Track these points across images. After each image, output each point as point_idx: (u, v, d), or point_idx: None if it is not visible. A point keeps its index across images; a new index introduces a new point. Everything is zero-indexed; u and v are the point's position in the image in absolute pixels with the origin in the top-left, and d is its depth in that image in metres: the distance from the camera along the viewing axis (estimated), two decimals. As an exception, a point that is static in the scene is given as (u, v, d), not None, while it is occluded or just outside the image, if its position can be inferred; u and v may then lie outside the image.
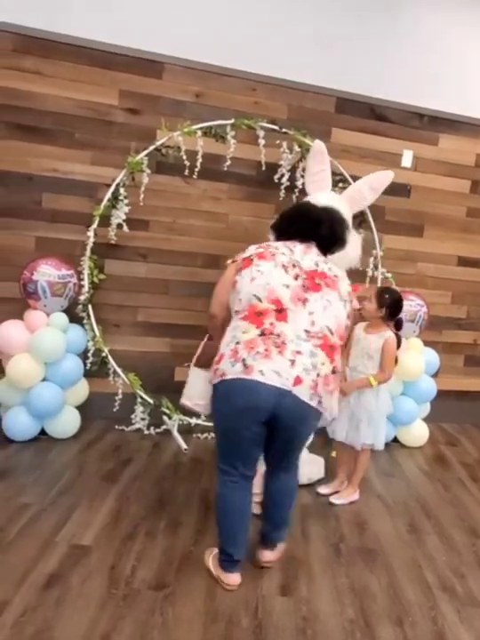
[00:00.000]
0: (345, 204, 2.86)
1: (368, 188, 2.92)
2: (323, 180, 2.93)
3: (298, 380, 1.83)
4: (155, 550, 2.19)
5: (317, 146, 2.96)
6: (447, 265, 4.04)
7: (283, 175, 3.33)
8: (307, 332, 1.89)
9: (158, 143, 3.12)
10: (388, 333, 2.63)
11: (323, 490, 2.74)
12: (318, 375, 1.86)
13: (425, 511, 2.77)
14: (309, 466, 2.83)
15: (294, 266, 1.97)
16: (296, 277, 1.95)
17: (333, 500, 2.68)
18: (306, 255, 2.03)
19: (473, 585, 2.22)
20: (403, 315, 3.54)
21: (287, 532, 2.21)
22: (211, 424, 3.34)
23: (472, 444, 3.84)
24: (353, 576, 2.18)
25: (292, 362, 1.84)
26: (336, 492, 2.76)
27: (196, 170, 3.18)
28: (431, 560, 2.35)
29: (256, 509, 2.22)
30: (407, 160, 3.80)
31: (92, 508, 2.45)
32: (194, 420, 3.38)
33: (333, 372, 1.91)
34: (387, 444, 3.54)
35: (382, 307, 2.59)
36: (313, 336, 1.88)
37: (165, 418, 3.34)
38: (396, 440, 3.66)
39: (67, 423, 3.13)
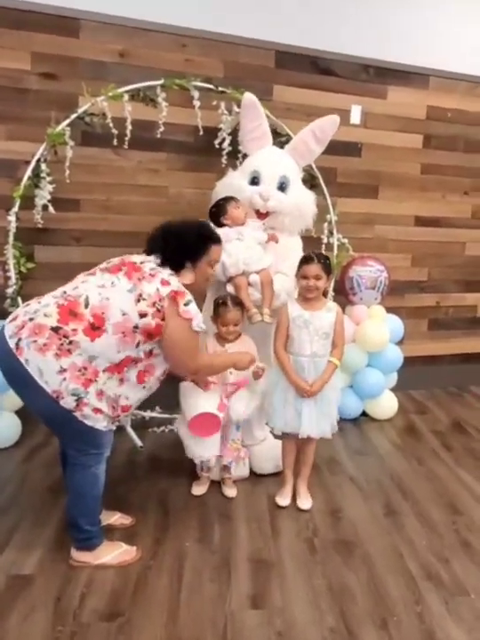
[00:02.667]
0: (290, 159, 2.62)
1: (312, 137, 2.66)
2: (261, 136, 2.66)
3: (13, 317, 1.84)
4: (106, 571, 1.94)
5: (247, 99, 2.66)
6: (406, 226, 3.85)
7: (223, 140, 3.02)
8: (63, 292, 1.88)
9: (80, 111, 2.76)
10: (334, 304, 2.40)
11: (283, 502, 2.43)
12: (31, 320, 1.78)
13: (400, 490, 2.60)
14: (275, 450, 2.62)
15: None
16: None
17: (303, 505, 2.41)
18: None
19: (457, 569, 2.05)
20: (363, 281, 3.40)
21: (75, 534, 1.97)
22: (167, 416, 3.12)
23: (442, 410, 3.70)
24: (330, 575, 1.98)
25: (27, 305, 1.87)
26: (293, 497, 2.47)
27: (127, 139, 2.85)
28: (412, 546, 2.17)
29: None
30: (356, 116, 3.56)
31: (35, 528, 2.16)
32: (148, 414, 3.11)
33: (53, 330, 1.76)
34: (355, 420, 3.41)
35: (329, 274, 2.33)
36: (64, 296, 1.84)
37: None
38: (364, 414, 3.48)
39: (5, 431, 2.82)
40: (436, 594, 1.91)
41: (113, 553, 1.99)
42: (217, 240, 2.09)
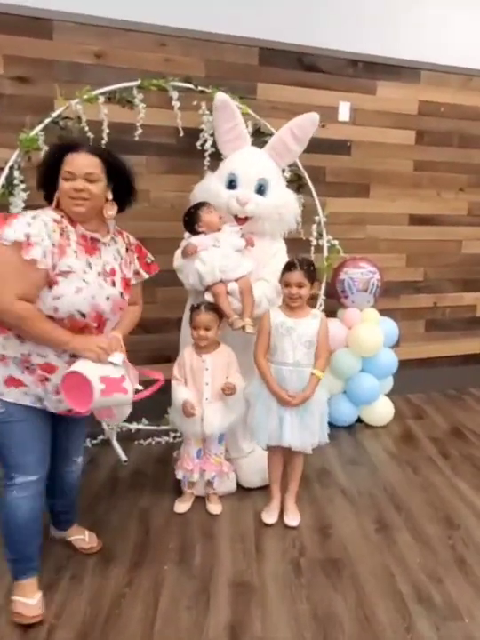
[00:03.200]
0: (269, 160, 2.51)
1: (291, 136, 2.53)
2: (237, 137, 2.54)
3: None
4: (79, 600, 1.84)
5: (219, 100, 2.52)
6: (399, 225, 3.72)
7: (205, 141, 2.90)
8: None
9: (54, 115, 2.66)
10: (318, 311, 2.30)
11: (269, 519, 2.31)
12: None
13: (394, 502, 2.49)
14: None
15: None
16: None
17: (291, 522, 2.30)
18: None
19: (451, 589, 1.94)
20: (355, 283, 3.29)
21: None
22: (154, 427, 3.03)
23: (439, 414, 3.59)
24: (316, 599, 1.87)
25: None
26: (281, 513, 2.36)
27: (104, 143, 2.74)
28: (404, 564, 2.06)
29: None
30: (344, 113, 3.43)
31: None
32: (134, 426, 3.01)
33: None
34: (350, 426, 3.30)
35: (313, 281, 2.23)
36: None
37: (103, 425, 2.96)
38: (359, 421, 3.37)
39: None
40: (427, 618, 1.80)
41: (18, 598, 1.75)
42: (68, 149, 1.71)
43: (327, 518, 2.35)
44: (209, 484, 2.42)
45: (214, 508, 2.40)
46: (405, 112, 3.59)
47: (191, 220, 2.38)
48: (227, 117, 2.50)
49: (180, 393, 2.30)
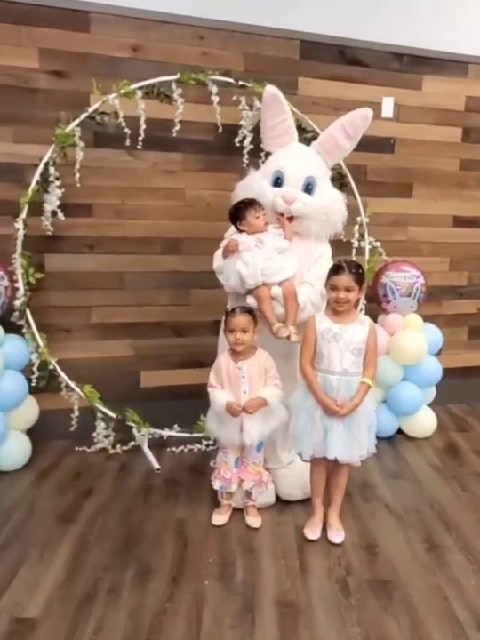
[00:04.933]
0: (317, 158, 2.47)
1: (342, 133, 2.49)
2: (285, 132, 2.51)
3: None
4: (119, 614, 1.81)
5: (269, 93, 2.49)
6: (443, 227, 3.66)
7: (244, 137, 2.90)
8: None
9: (91, 110, 2.67)
10: (366, 317, 2.25)
11: (312, 535, 2.26)
12: None
13: (443, 520, 2.42)
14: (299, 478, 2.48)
15: None
16: None
17: (335, 539, 2.25)
18: None
19: (512, 615, 1.87)
20: (398, 288, 3.24)
21: None
22: (187, 434, 3.01)
23: (485, 427, 3.51)
24: (367, 622, 1.82)
25: None
26: (324, 528, 2.31)
27: (141, 139, 2.74)
28: (458, 587, 2.00)
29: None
30: (388, 109, 3.39)
31: (42, 563, 2.05)
32: (166, 432, 3.00)
33: None
34: (390, 438, 3.25)
35: (361, 285, 2.18)
36: None
37: (134, 432, 2.95)
38: (400, 432, 3.31)
39: (14, 452, 2.72)
40: (489, 647, 1.73)
41: None
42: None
43: (372, 535, 2.30)
44: (247, 494, 2.38)
45: (253, 521, 2.36)
46: (452, 108, 3.53)
47: (237, 215, 2.36)
48: (276, 112, 2.47)
49: (220, 396, 2.27)
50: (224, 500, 2.41)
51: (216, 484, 2.39)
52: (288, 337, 2.22)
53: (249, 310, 2.26)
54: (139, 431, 2.93)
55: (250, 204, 2.33)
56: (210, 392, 2.32)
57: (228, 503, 2.41)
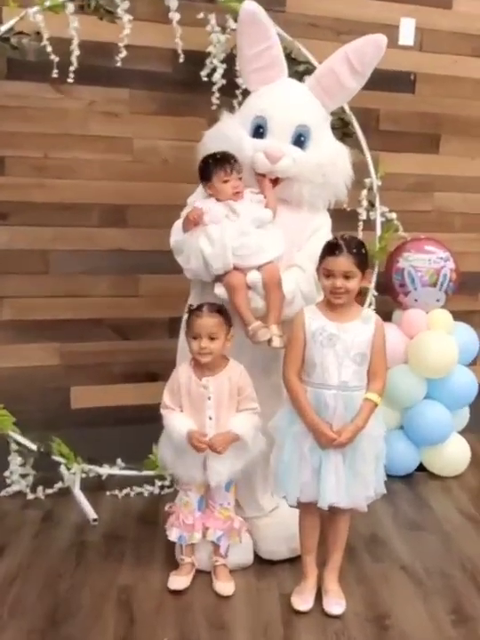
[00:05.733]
0: (313, 99, 2.54)
1: (346, 66, 2.54)
2: (269, 65, 2.56)
3: None
4: None
5: (246, 12, 2.52)
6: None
7: (214, 69, 2.97)
8: None
9: (3, 29, 2.70)
10: (372, 312, 2.34)
11: (302, 605, 2.32)
12: None
13: (476, 585, 2.52)
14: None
15: None
16: None
17: (334, 609, 2.31)
18: None
19: None
20: (419, 274, 3.34)
21: None
22: (134, 473, 3.06)
23: None
24: None
25: None
26: (318, 596, 2.38)
27: (73, 69, 2.78)
28: (494, 671, 2.10)
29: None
30: (407, 34, 3.50)
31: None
32: (106, 470, 3.05)
33: None
34: (409, 476, 3.35)
35: (365, 270, 2.24)
36: None
37: (61, 470, 3.00)
38: (421, 468, 3.42)
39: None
40: None
41: None
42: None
43: (383, 604, 2.39)
44: (215, 549, 2.45)
45: (224, 586, 2.42)
46: (492, 34, 3.65)
47: (204, 173, 2.42)
48: (256, 37, 2.52)
49: (179, 423, 2.33)
50: (184, 557, 2.46)
51: (173, 534, 2.44)
52: (269, 341, 2.29)
53: (220, 309, 2.32)
54: (68, 469, 2.98)
55: (221, 160, 2.39)
56: (164, 416, 2.38)
57: (189, 561, 2.46)
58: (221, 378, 2.35)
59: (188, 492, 2.44)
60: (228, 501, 2.46)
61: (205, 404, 2.33)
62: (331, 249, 2.20)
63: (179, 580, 2.43)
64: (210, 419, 2.32)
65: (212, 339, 2.28)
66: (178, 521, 2.43)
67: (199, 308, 2.32)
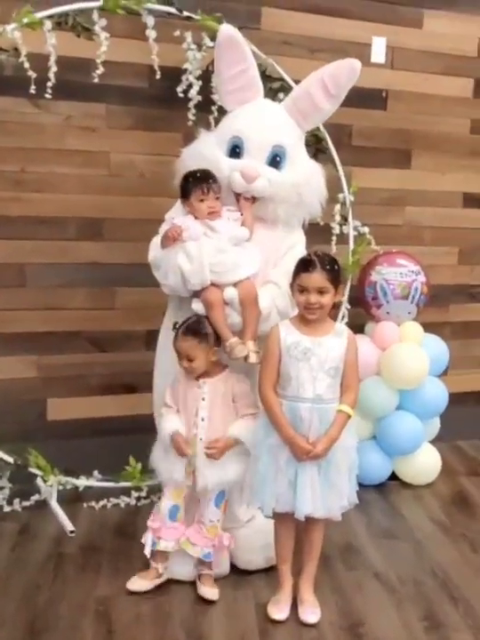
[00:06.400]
0: (289, 120, 2.60)
1: (321, 89, 2.60)
2: (246, 85, 2.62)
3: None
4: None
5: (225, 35, 2.60)
6: (450, 207, 3.88)
7: (190, 85, 3.00)
8: None
9: (-19, 44, 2.73)
10: (343, 327, 2.40)
11: (278, 614, 2.36)
12: None
13: (448, 591, 2.58)
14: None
15: None
16: None
17: (309, 618, 2.35)
18: None
19: None
20: (391, 287, 3.40)
21: None
22: (111, 485, 3.07)
23: (504, 469, 3.73)
24: None
25: None
26: (294, 605, 2.42)
27: (50, 85, 2.80)
28: (465, 676, 2.16)
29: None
30: (379, 52, 3.57)
31: None
32: (83, 482, 3.06)
33: None
34: (381, 485, 3.40)
35: (338, 285, 2.30)
36: None
37: (38, 482, 3.00)
38: (393, 477, 3.48)
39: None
40: None
41: None
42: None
43: (357, 612, 2.43)
44: (202, 564, 2.49)
45: (209, 591, 2.44)
46: (461, 53, 3.74)
47: (185, 190, 2.47)
48: (234, 59, 2.58)
49: (168, 422, 2.40)
50: (153, 562, 2.50)
51: (145, 536, 2.49)
52: (245, 357, 2.34)
53: (195, 330, 2.37)
54: (45, 481, 2.98)
55: (199, 179, 2.44)
56: (162, 413, 2.47)
57: (156, 567, 2.50)
58: (217, 382, 2.43)
59: (163, 496, 2.50)
60: (218, 518, 2.49)
61: (199, 405, 2.41)
62: (304, 265, 2.26)
63: (138, 583, 2.47)
64: (202, 420, 2.40)
65: (190, 360, 2.36)
66: (149, 524, 2.49)
67: (179, 329, 2.39)
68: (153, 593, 2.47)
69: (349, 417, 2.31)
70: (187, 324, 2.39)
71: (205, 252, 2.37)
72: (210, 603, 2.42)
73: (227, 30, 2.60)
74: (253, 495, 2.40)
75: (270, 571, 2.56)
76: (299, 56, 3.31)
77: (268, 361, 2.32)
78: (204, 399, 2.40)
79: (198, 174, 2.45)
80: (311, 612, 2.38)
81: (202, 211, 2.44)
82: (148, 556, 2.49)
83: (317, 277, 2.22)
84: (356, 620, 2.38)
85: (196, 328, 2.37)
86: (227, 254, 2.40)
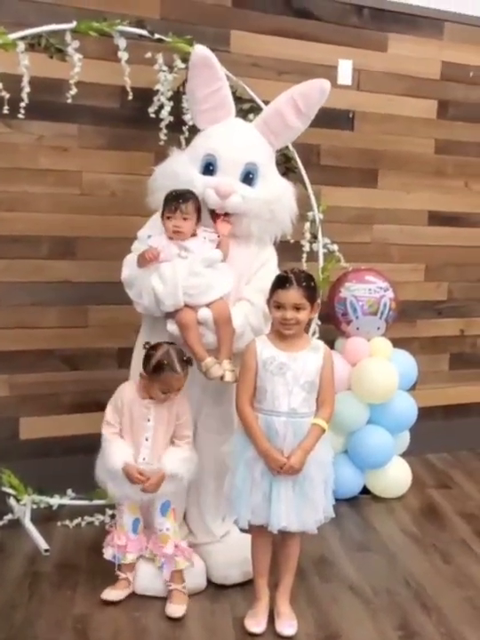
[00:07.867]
0: (261, 138, 2.66)
1: (292, 109, 2.66)
2: (219, 105, 2.67)
3: None
4: None
5: (199, 56, 2.64)
6: (416, 225, 3.97)
7: (162, 106, 3.05)
8: None
9: (-46, 65, 2.74)
10: (320, 342, 2.45)
11: (255, 627, 2.36)
12: None
13: (420, 601, 2.62)
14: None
15: None
16: None
17: (286, 630, 2.37)
18: None
19: None
20: (360, 304, 3.46)
21: None
22: (85, 503, 3.08)
23: (472, 481, 3.79)
24: None
25: None
26: (271, 618, 2.44)
27: (23, 105, 2.82)
28: (440, 683, 2.20)
29: None
30: (345, 75, 3.65)
31: None
32: (56, 500, 3.06)
33: None
34: (353, 499, 3.44)
35: (314, 302, 2.35)
36: None
37: (11, 502, 2.99)
38: (365, 491, 3.53)
39: None
40: None
41: None
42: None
43: (333, 624, 2.46)
44: (172, 579, 2.50)
45: (173, 608, 2.44)
46: (425, 76, 3.85)
47: (162, 206, 2.49)
48: (207, 79, 2.63)
49: (116, 451, 2.43)
50: (120, 574, 2.54)
51: (107, 553, 2.55)
52: (221, 377, 2.38)
53: (188, 362, 2.40)
54: (18, 500, 2.98)
55: (172, 198, 2.46)
56: (104, 435, 2.49)
57: (125, 577, 2.54)
58: (162, 404, 2.46)
59: (123, 513, 2.54)
60: (167, 527, 2.52)
61: (145, 426, 2.45)
62: (281, 282, 2.30)
63: (112, 593, 2.51)
64: (146, 439, 2.45)
65: (164, 392, 2.41)
66: (113, 541, 2.53)
67: (168, 360, 2.37)
68: (130, 608, 2.48)
69: (324, 431, 2.34)
70: (175, 355, 2.38)
71: (179, 275, 2.40)
72: (176, 620, 2.43)
73: (201, 51, 2.65)
74: (231, 507, 2.44)
75: (247, 584, 2.58)
76: (267, 78, 3.38)
77: (244, 375, 2.35)
78: (149, 420, 2.44)
79: (174, 193, 2.47)
80: (288, 625, 2.40)
81: (168, 229, 2.47)
82: (117, 569, 2.53)
83: (294, 294, 2.26)
84: (333, 632, 2.42)
85: (188, 361, 2.40)
86: (200, 277, 2.43)
